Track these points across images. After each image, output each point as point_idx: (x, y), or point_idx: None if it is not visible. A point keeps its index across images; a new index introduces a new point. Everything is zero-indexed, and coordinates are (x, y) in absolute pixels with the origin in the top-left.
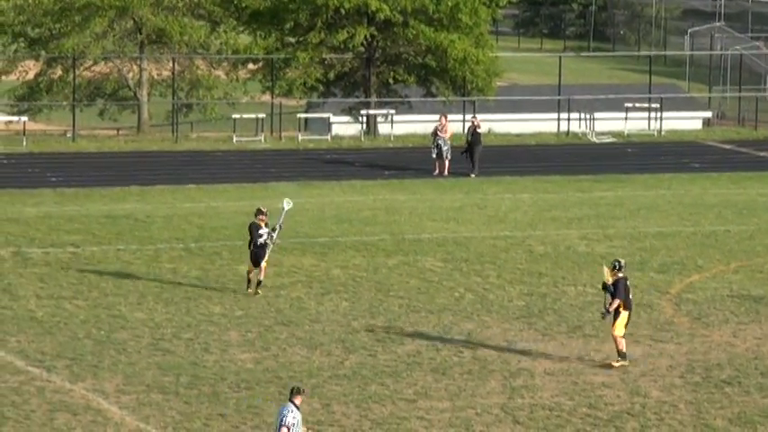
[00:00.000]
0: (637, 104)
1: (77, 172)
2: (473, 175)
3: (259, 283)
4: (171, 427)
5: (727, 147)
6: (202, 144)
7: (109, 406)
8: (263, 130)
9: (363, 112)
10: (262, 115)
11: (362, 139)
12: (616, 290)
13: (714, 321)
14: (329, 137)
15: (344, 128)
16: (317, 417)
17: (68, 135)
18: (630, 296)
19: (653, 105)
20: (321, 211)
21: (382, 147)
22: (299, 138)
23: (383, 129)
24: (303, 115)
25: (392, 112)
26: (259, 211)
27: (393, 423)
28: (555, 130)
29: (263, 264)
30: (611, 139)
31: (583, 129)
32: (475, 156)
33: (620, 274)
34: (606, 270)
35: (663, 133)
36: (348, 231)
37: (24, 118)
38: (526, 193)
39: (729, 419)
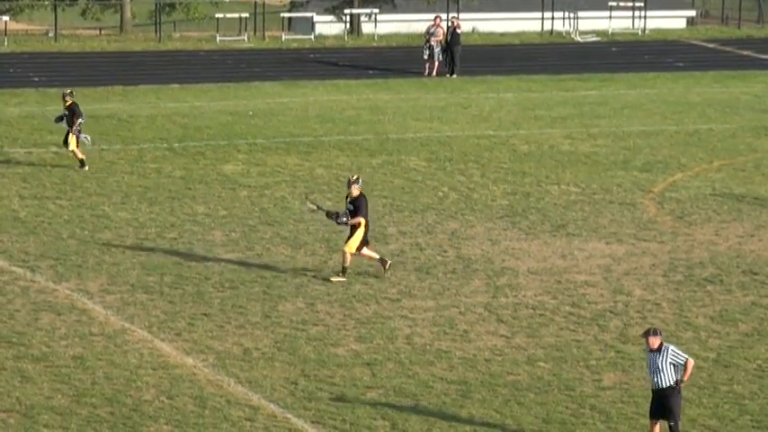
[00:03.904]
0: (621, 3)
1: (60, 72)
2: (454, 76)
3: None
4: (155, 326)
5: (711, 45)
6: (186, 44)
7: (93, 306)
8: (246, 30)
9: (347, 11)
10: (245, 15)
11: (346, 38)
12: (359, 207)
13: (697, 220)
14: (313, 36)
15: (328, 27)
16: (302, 316)
17: (50, 35)
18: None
19: (637, 4)
20: (305, 111)
21: (366, 46)
22: (283, 37)
23: (367, 28)
24: (286, 14)
25: (376, 11)
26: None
27: (377, 322)
28: (539, 29)
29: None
30: (595, 38)
31: (567, 28)
32: (455, 56)
33: (356, 192)
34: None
35: (647, 32)
36: (332, 131)
37: (6, 17)
38: (510, 93)
39: (711, 317)
